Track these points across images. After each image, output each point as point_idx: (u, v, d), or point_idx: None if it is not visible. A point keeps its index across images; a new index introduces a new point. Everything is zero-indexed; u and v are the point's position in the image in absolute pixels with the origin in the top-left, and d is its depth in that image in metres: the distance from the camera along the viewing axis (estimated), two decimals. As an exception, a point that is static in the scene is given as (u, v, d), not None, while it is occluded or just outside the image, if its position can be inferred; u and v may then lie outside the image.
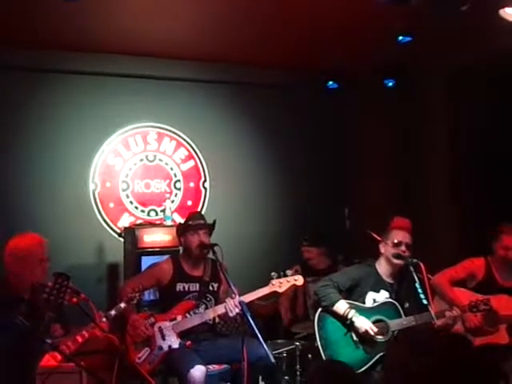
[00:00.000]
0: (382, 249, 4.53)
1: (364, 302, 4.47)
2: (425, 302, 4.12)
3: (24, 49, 5.60)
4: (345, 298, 4.44)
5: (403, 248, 4.43)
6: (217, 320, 4.60)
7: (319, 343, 4.36)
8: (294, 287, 4.69)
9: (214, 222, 4.73)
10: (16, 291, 3.73)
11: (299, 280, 4.52)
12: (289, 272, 4.51)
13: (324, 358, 4.31)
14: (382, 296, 4.48)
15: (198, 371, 4.10)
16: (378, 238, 4.70)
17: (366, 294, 4.48)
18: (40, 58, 5.76)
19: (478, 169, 6.29)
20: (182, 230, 4.70)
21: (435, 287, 4.53)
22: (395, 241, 4.45)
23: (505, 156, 6.23)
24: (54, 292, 3.48)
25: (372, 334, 4.27)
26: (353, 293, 4.51)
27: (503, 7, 4.43)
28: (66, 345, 3.57)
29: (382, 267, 4.53)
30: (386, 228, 4.61)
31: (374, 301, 4.47)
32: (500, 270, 4.70)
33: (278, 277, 4.46)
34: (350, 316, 4.32)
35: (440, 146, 6.56)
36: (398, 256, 4.41)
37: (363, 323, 4.30)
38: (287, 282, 4.47)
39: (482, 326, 4.52)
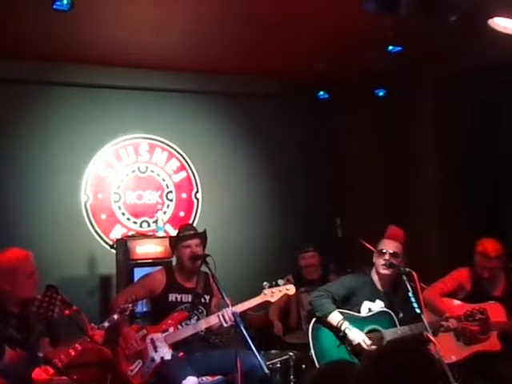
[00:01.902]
0: (374, 258, 4.54)
1: (359, 311, 4.46)
2: (418, 310, 4.12)
3: (12, 61, 5.58)
4: (340, 307, 4.43)
5: (386, 257, 4.43)
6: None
7: (313, 354, 4.35)
8: (286, 296, 4.69)
9: (205, 231, 4.72)
10: (5, 306, 3.68)
11: (291, 289, 4.52)
12: (280, 281, 4.50)
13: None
14: (378, 306, 4.48)
15: (190, 382, 4.08)
16: (371, 248, 4.70)
17: (361, 303, 4.48)
18: (30, 69, 5.74)
19: (467, 178, 6.34)
20: (174, 243, 4.70)
21: (426, 302, 4.50)
22: (382, 250, 4.47)
23: (492, 160, 6.30)
24: (43, 304, 3.46)
25: (365, 346, 4.25)
26: (348, 302, 4.50)
27: (492, 17, 4.46)
28: (59, 358, 3.53)
29: (377, 277, 4.53)
30: (378, 237, 4.63)
31: (370, 310, 4.46)
32: (486, 279, 4.71)
33: (270, 286, 4.45)
34: (343, 328, 4.30)
35: (430, 155, 6.60)
36: (388, 265, 4.40)
37: (356, 336, 4.28)
38: (279, 291, 4.47)
39: (474, 333, 4.53)
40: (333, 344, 4.37)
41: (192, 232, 4.67)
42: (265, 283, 4.46)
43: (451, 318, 4.41)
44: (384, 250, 4.45)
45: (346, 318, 4.37)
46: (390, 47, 5.25)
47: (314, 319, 4.47)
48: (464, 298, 4.70)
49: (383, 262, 4.43)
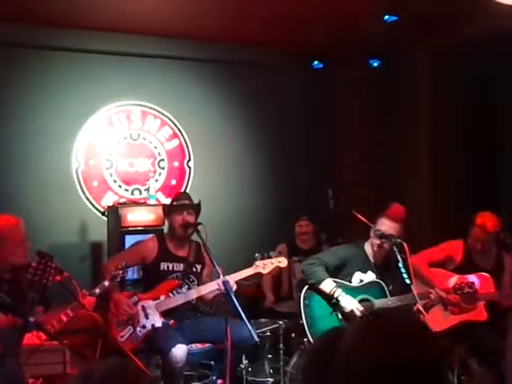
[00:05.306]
0: (371, 234, 4.52)
1: (351, 282, 4.49)
2: (407, 281, 4.15)
3: (5, 23, 5.49)
4: (332, 277, 4.46)
5: (380, 241, 4.43)
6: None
7: (304, 321, 4.37)
8: (278, 269, 4.71)
9: (199, 202, 4.71)
10: None
11: (283, 262, 4.54)
12: (272, 253, 4.52)
13: (309, 335, 4.33)
14: (369, 277, 4.50)
15: (179, 350, 4.12)
16: (364, 220, 4.70)
17: (353, 273, 4.50)
18: (22, 33, 5.65)
19: (459, 147, 6.35)
20: (167, 211, 4.69)
21: (412, 269, 4.53)
22: (379, 230, 4.43)
23: (485, 134, 6.30)
24: (38, 272, 3.46)
25: (358, 313, 4.29)
26: (340, 272, 4.52)
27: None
28: (51, 324, 3.55)
29: (370, 249, 4.54)
30: (370, 208, 4.63)
31: (361, 281, 4.49)
32: (478, 252, 4.75)
33: (262, 258, 4.47)
34: (336, 295, 4.33)
35: (422, 126, 6.59)
36: (379, 235, 4.40)
37: (349, 303, 4.31)
38: (271, 263, 4.48)
39: (460, 303, 4.58)
40: (325, 311, 4.40)
41: (186, 202, 4.66)
42: (257, 255, 4.47)
43: (440, 291, 4.46)
44: (380, 230, 4.42)
45: (339, 286, 4.40)
46: (386, 16, 5.22)
47: (306, 286, 4.49)
48: (454, 270, 4.75)
49: (378, 243, 4.43)
